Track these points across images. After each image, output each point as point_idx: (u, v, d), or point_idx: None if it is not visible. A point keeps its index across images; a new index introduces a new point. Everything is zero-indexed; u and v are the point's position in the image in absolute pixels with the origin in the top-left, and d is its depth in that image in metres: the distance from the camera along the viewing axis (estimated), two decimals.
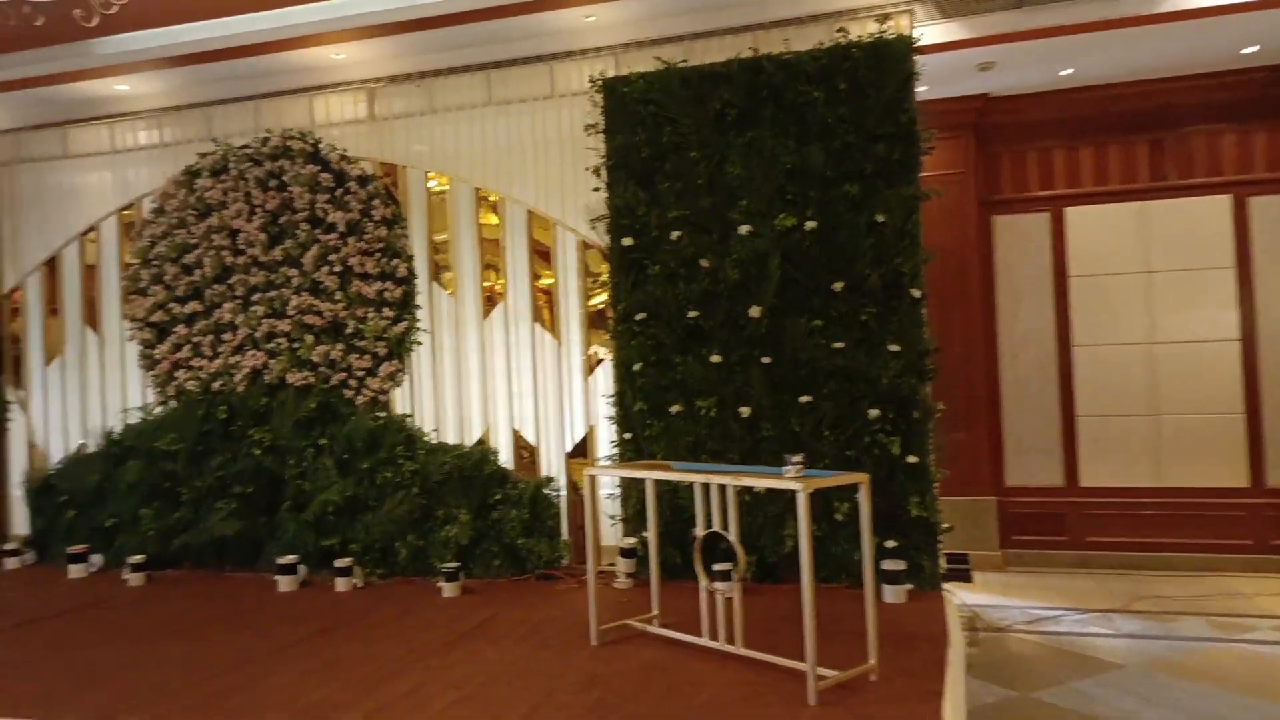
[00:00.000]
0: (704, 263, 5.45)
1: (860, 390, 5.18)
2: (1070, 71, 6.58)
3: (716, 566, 4.17)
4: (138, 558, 6.12)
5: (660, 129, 5.59)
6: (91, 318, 7.33)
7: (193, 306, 6.67)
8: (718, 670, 3.80)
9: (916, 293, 5.19)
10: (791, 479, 3.49)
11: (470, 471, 5.95)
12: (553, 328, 6.26)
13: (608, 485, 5.72)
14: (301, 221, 6.39)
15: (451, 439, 6.31)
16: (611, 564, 5.58)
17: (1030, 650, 5.24)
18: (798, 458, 3.59)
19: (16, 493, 7.19)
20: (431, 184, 6.54)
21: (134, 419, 6.80)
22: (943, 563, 5.17)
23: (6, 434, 7.36)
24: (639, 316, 5.56)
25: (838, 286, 5.23)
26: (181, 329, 6.68)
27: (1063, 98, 6.98)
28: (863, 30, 5.39)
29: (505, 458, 6.18)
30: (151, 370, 6.83)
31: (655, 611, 4.44)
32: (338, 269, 6.32)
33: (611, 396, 5.72)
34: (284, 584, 5.71)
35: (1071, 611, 5.87)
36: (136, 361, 6.95)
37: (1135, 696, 4.48)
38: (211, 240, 6.61)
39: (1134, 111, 6.91)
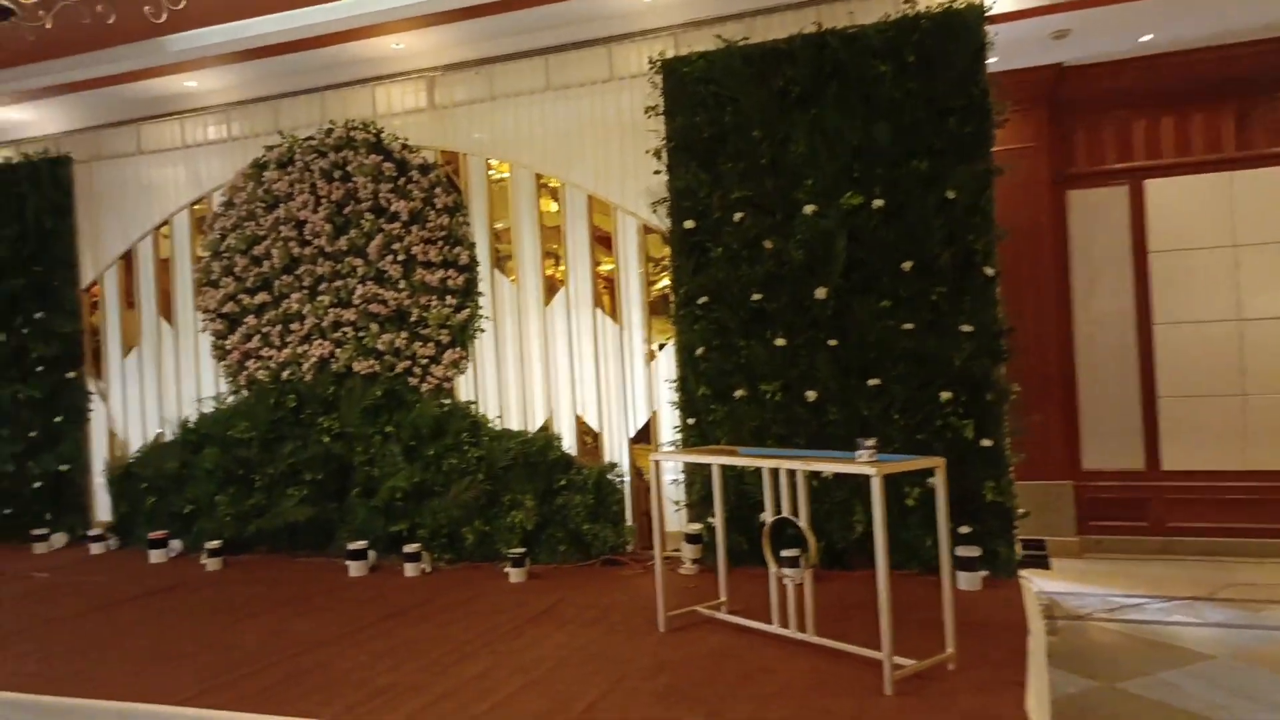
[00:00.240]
0: (768, 244, 5.35)
1: (931, 372, 5.04)
2: (1150, 37, 6.29)
3: (784, 553, 4.10)
4: (214, 543, 6.28)
5: (722, 109, 5.49)
6: (166, 310, 7.53)
7: (262, 297, 6.82)
8: (789, 658, 3.74)
9: (990, 271, 5.02)
10: (865, 463, 3.41)
11: (534, 457, 5.97)
12: (614, 313, 6.23)
13: (671, 471, 5.68)
14: (365, 211, 6.47)
15: (515, 425, 6.33)
16: (676, 550, 5.55)
17: (1112, 639, 5.07)
18: (870, 442, 3.49)
19: (99, 480, 7.44)
20: (492, 171, 6.56)
21: (208, 408, 6.98)
22: (1019, 549, 5.02)
23: (88, 424, 7.62)
24: (701, 300, 5.49)
25: (907, 266, 5.09)
26: (251, 319, 6.83)
27: (1142, 65, 6.67)
28: (931, 0, 5.21)
29: (569, 444, 6.18)
30: (223, 360, 7.00)
31: (723, 598, 4.40)
32: (401, 258, 6.38)
33: (674, 381, 5.67)
34: (354, 569, 5.81)
35: (1155, 599, 5.66)
36: (209, 352, 7.13)
37: (1225, 690, 4.29)
38: (279, 232, 6.73)
39: (1219, 77, 6.57)
